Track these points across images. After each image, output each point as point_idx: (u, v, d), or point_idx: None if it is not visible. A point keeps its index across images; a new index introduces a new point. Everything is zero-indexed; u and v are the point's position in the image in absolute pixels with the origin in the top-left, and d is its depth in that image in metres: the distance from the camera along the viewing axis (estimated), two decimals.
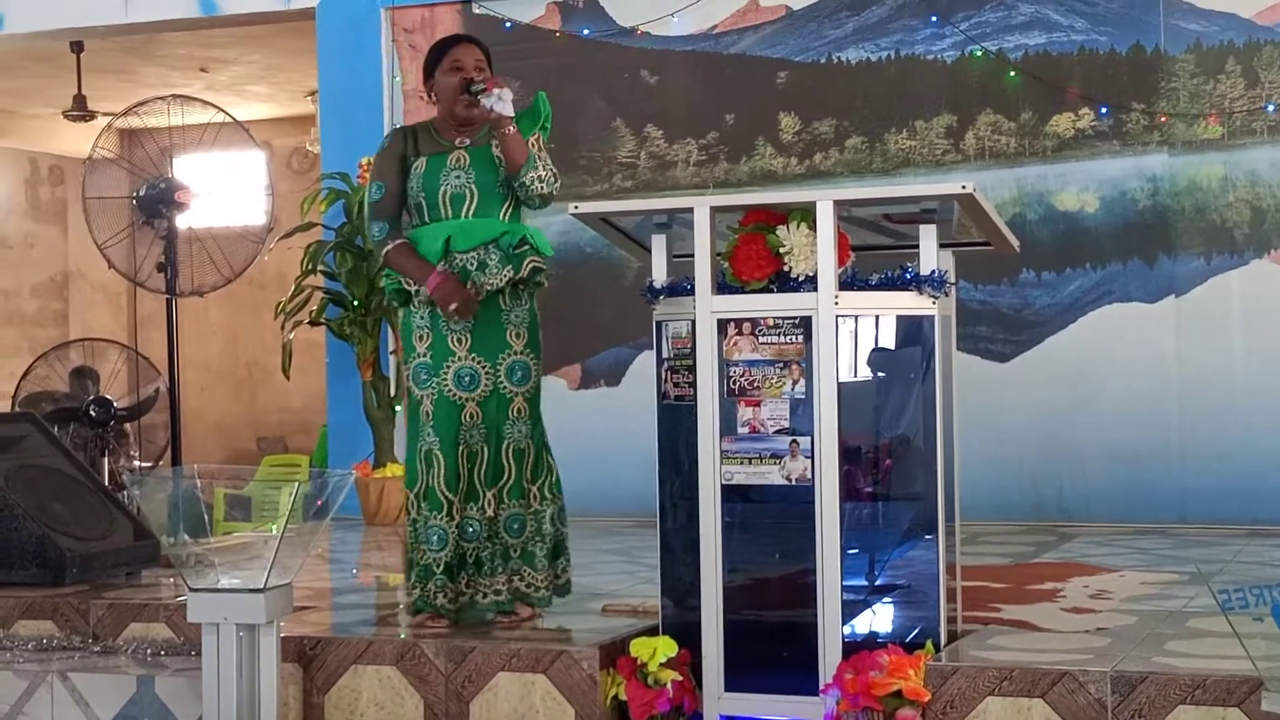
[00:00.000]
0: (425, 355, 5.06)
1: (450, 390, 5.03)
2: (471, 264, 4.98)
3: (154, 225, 6.94)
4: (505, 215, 5.07)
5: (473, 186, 5.04)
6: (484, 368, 5.03)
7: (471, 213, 5.04)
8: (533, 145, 5.05)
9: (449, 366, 5.03)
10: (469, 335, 5.02)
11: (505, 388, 5.04)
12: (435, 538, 5.02)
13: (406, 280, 5.04)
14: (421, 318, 5.07)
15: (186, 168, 7.33)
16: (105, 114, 13.25)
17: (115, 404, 8.49)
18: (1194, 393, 7.79)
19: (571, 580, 5.27)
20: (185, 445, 7.33)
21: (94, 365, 9.06)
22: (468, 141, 5.09)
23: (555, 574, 5.18)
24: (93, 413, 8.26)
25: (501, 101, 4.93)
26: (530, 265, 5.00)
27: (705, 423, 4.59)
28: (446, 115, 5.15)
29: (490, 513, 5.05)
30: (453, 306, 4.94)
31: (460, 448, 5.03)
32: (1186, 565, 6.29)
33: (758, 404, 4.56)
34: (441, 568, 5.02)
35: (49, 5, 10.07)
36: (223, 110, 7.38)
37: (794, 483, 4.52)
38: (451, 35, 5.40)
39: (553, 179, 5.04)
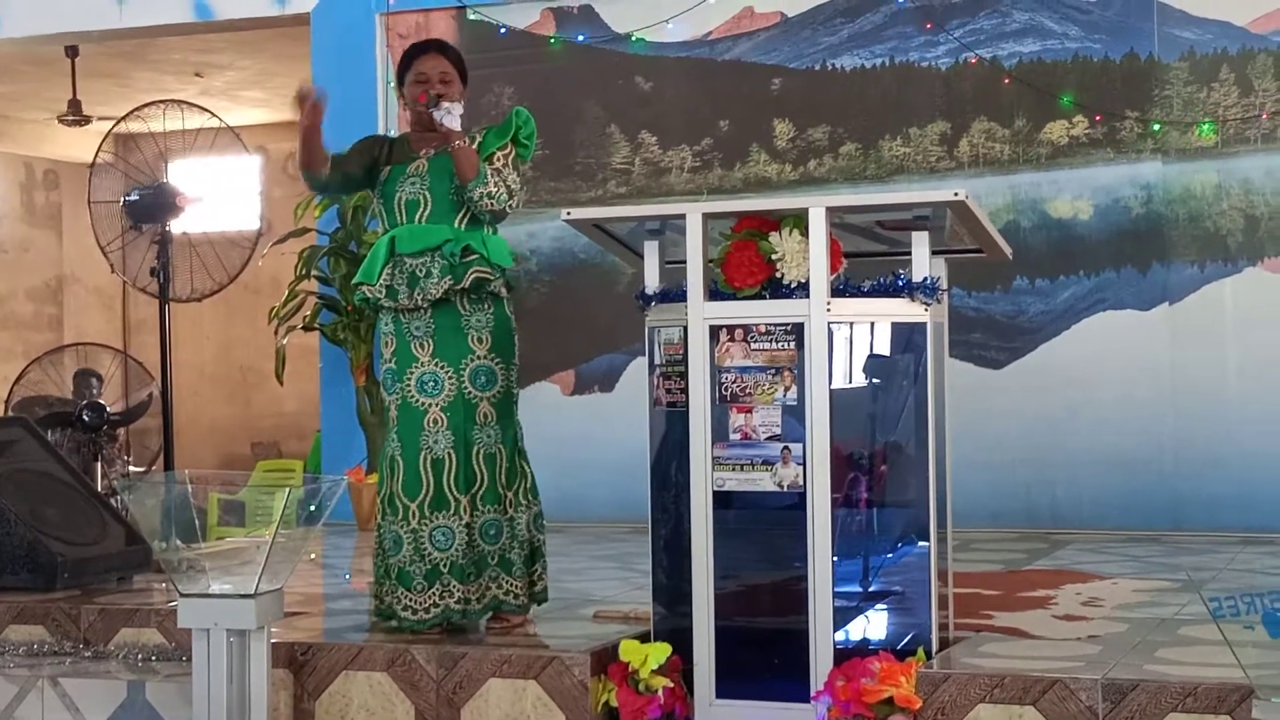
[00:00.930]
0: (391, 361, 5.08)
1: (413, 396, 5.03)
2: (420, 270, 5.00)
3: (141, 229, 6.93)
4: (461, 223, 5.06)
5: (426, 193, 5.05)
6: (447, 373, 5.02)
7: (424, 219, 5.05)
8: (497, 159, 5.05)
9: (412, 372, 5.04)
10: (431, 341, 5.03)
11: (470, 393, 5.03)
12: (391, 542, 5.03)
13: (371, 289, 5.04)
14: (387, 324, 5.09)
15: (182, 172, 7.32)
16: (101, 118, 13.29)
17: (108, 409, 8.48)
18: (1187, 400, 7.79)
19: (548, 587, 5.23)
20: (179, 450, 7.30)
21: (98, 369, 9.07)
22: (431, 152, 5.10)
23: (531, 580, 5.15)
24: (86, 417, 8.25)
25: (449, 116, 4.96)
26: (474, 276, 4.99)
27: (697, 429, 4.59)
28: (414, 125, 5.24)
29: (466, 519, 5.02)
30: (300, 106, 5.08)
31: (422, 453, 5.02)
32: (1178, 573, 6.30)
33: (749, 410, 4.55)
34: (396, 573, 5.01)
35: (44, 9, 10.07)
36: (217, 116, 7.36)
37: (785, 489, 4.52)
38: (419, 43, 5.38)
39: (505, 196, 5.01)
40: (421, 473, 5.00)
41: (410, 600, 5.00)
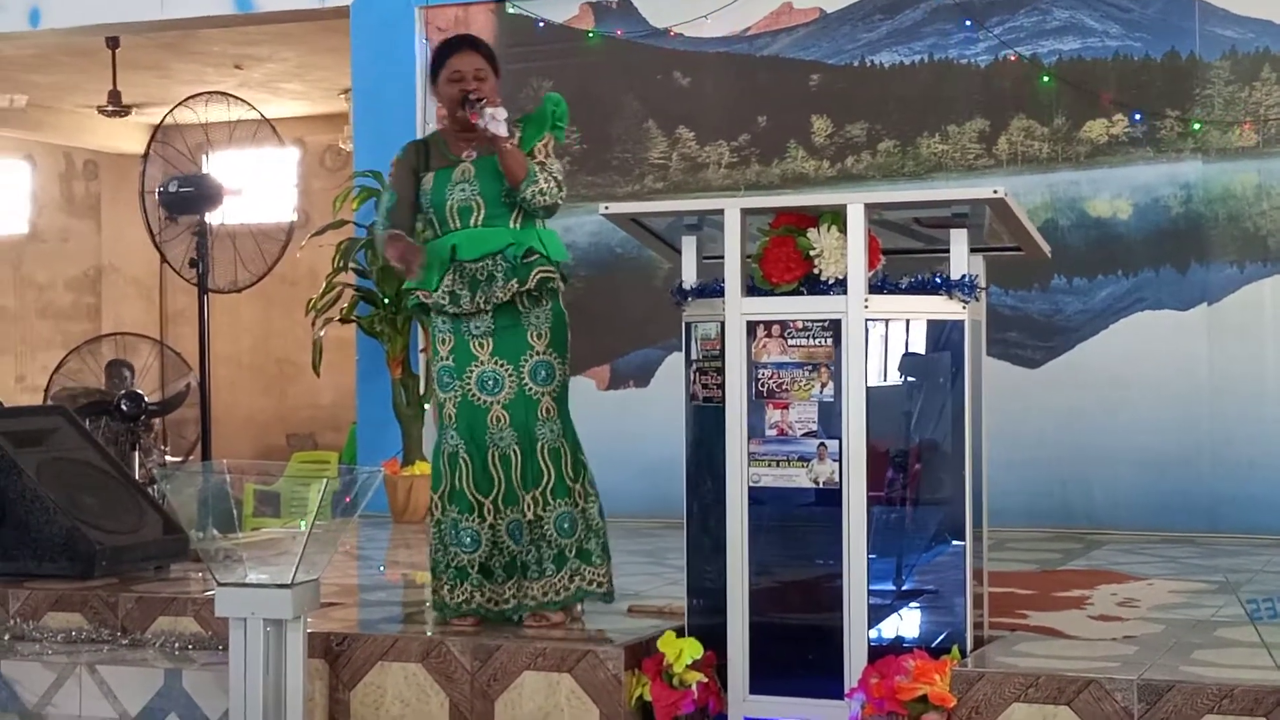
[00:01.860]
0: (448, 359, 5.09)
1: (474, 394, 5.04)
2: (481, 274, 4.99)
3: (176, 220, 6.96)
4: (515, 223, 5.05)
5: (479, 198, 5.04)
6: (507, 371, 5.03)
7: (479, 223, 5.03)
8: (539, 152, 5.04)
9: (471, 371, 5.05)
10: (490, 340, 5.03)
11: (530, 389, 5.04)
12: (468, 539, 5.04)
13: (430, 296, 5.04)
14: (444, 322, 5.09)
15: (221, 164, 7.37)
16: (140, 109, 13.37)
17: (146, 398, 8.52)
18: (1225, 401, 7.75)
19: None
20: (215, 440, 7.34)
21: (131, 359, 9.11)
22: (474, 154, 5.08)
23: (610, 570, 5.14)
24: (124, 407, 8.30)
25: (495, 122, 4.90)
26: (538, 276, 4.99)
27: (733, 425, 4.59)
28: (451, 123, 5.20)
29: (531, 516, 5.03)
30: (395, 262, 4.98)
31: (490, 450, 5.04)
32: (1215, 574, 6.27)
33: (786, 406, 4.55)
34: (477, 568, 5.04)
35: (86, 1, 10.12)
36: (255, 109, 7.39)
37: (821, 486, 4.52)
38: (451, 39, 5.33)
39: (556, 189, 5.00)
40: (492, 470, 5.03)
41: (493, 593, 5.05)
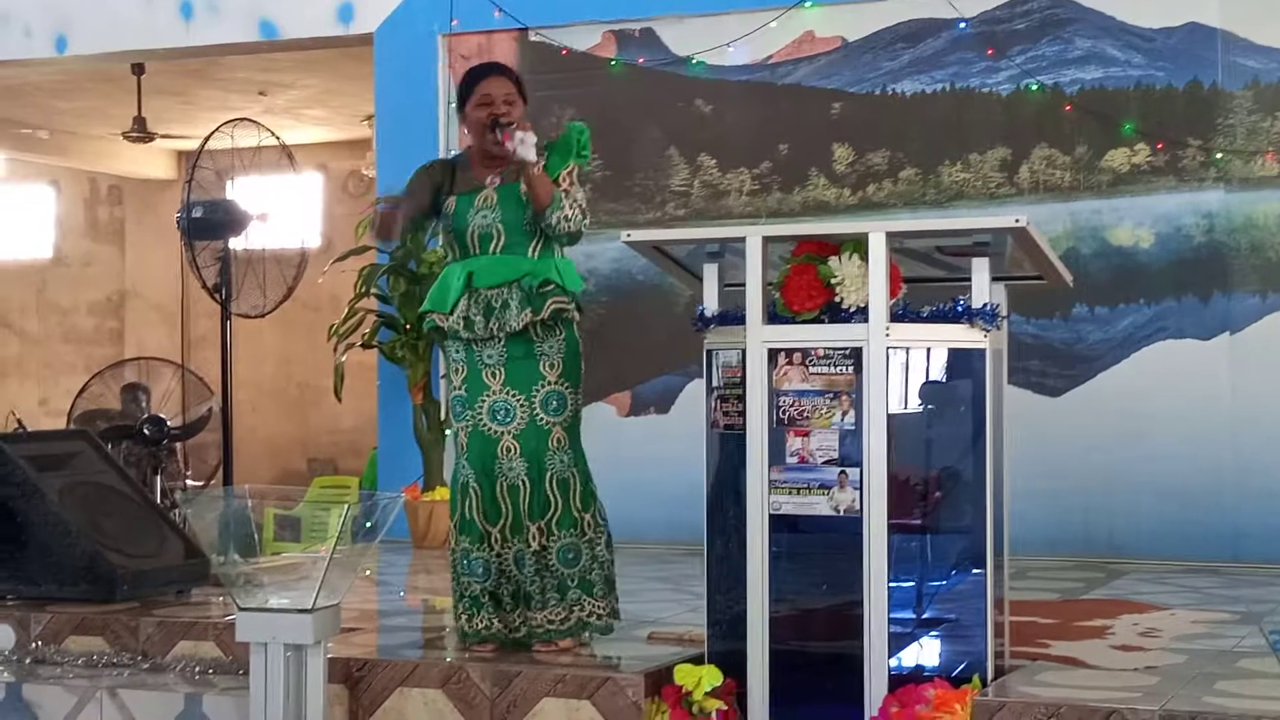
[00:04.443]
0: (461, 388, 5.10)
1: (485, 424, 5.05)
2: (496, 301, 5.01)
3: (194, 246, 7.01)
4: (534, 252, 5.06)
5: (500, 225, 5.05)
6: (519, 400, 5.04)
7: (499, 250, 5.04)
8: (564, 180, 5.04)
9: (484, 400, 5.06)
10: (503, 369, 5.04)
11: (542, 419, 5.04)
12: (479, 568, 5.06)
13: (445, 320, 5.07)
14: (457, 351, 5.10)
15: (245, 189, 7.42)
16: (164, 135, 13.44)
17: (168, 423, 8.56)
18: (1247, 430, 7.72)
19: (619, 609, 5.23)
20: (236, 465, 7.39)
21: (148, 383, 9.14)
22: (498, 180, 5.08)
23: (613, 602, 5.15)
24: (146, 431, 8.33)
25: (524, 146, 4.90)
26: (553, 306, 4.99)
27: (754, 452, 4.59)
28: (477, 150, 5.19)
29: (536, 546, 5.04)
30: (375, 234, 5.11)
31: (499, 480, 5.04)
32: (1238, 605, 6.24)
33: (807, 434, 4.55)
34: (489, 597, 5.05)
35: (111, 27, 10.19)
36: (275, 135, 7.45)
37: (842, 514, 4.51)
38: (482, 65, 5.37)
39: (580, 217, 5.00)
40: (499, 500, 5.04)
41: (505, 619, 5.06)
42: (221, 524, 4.81)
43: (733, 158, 8.76)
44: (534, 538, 5.03)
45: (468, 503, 5.06)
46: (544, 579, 5.04)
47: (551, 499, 5.04)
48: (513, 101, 5.12)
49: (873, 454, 4.47)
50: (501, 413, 5.04)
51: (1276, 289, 7.77)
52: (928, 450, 4.71)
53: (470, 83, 5.18)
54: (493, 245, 5.05)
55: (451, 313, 5.04)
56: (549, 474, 5.04)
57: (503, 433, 5.04)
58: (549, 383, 5.05)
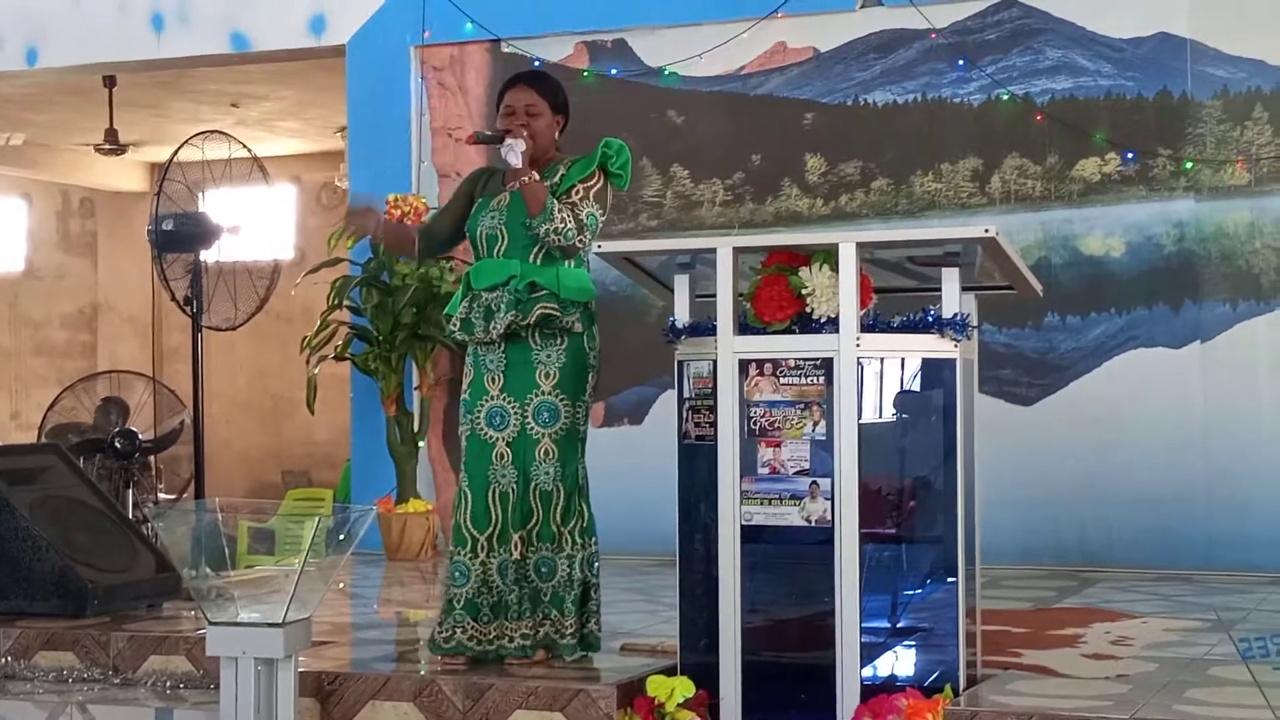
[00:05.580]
0: (466, 392, 5.14)
1: (482, 429, 5.06)
2: (492, 304, 5.03)
3: (164, 259, 6.98)
4: (535, 258, 5.05)
5: (503, 228, 5.07)
6: (513, 407, 5.04)
7: (500, 253, 5.08)
8: (576, 192, 5.03)
9: (482, 405, 5.07)
10: (502, 375, 5.06)
11: (532, 428, 5.04)
12: (458, 573, 5.04)
13: (450, 322, 5.15)
14: (470, 355, 5.14)
15: (218, 201, 7.40)
16: (136, 146, 13.41)
17: (140, 436, 8.52)
18: (1219, 439, 7.76)
19: (598, 634, 5.15)
20: (210, 478, 7.34)
21: (123, 397, 9.09)
22: (516, 185, 5.09)
23: (582, 622, 5.09)
24: (118, 444, 8.30)
25: (511, 153, 4.95)
26: (539, 312, 4.98)
27: (725, 463, 4.59)
28: None
29: (517, 555, 5.02)
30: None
31: (490, 486, 5.04)
32: (1209, 612, 6.26)
33: (778, 445, 4.56)
34: (463, 603, 5.02)
35: (82, 40, 10.17)
36: (246, 147, 7.43)
37: (814, 524, 4.52)
38: (514, 75, 5.38)
39: (573, 230, 4.96)
40: (490, 507, 5.03)
41: (476, 631, 5.03)
42: (193, 538, 4.79)
43: (705, 168, 8.78)
44: (515, 547, 5.02)
45: (460, 508, 5.07)
46: (520, 589, 5.03)
47: (534, 510, 5.03)
48: (535, 112, 5.12)
49: (844, 464, 4.47)
50: (498, 418, 5.05)
51: (1247, 297, 7.81)
52: (899, 460, 4.72)
53: (500, 93, 5.24)
54: (496, 248, 5.08)
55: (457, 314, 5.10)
56: (533, 484, 5.03)
57: (498, 439, 5.04)
58: (542, 392, 5.04)
